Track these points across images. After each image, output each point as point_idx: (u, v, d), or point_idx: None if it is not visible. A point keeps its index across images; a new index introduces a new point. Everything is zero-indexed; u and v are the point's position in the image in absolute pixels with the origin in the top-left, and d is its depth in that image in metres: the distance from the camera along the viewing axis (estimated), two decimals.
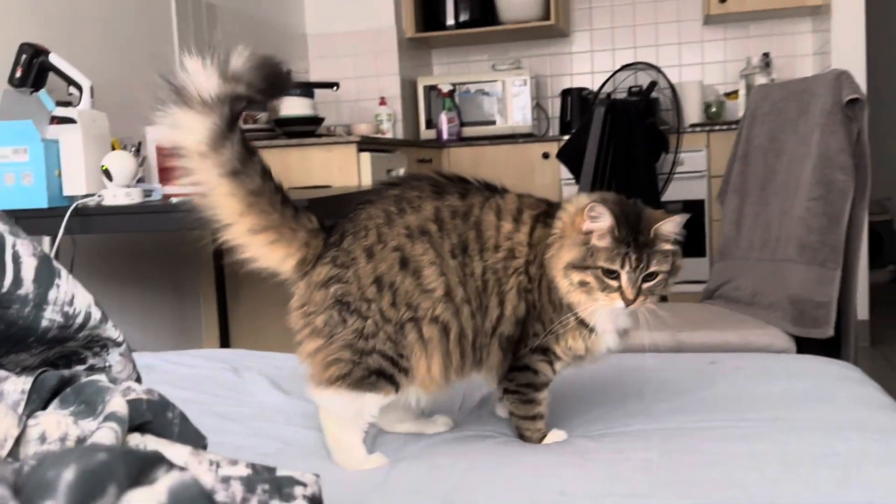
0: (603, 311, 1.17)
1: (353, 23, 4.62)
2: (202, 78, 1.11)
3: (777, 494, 1.02)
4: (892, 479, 1.03)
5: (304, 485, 0.59)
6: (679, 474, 1.10)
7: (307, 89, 3.69)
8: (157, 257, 3.30)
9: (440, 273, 1.17)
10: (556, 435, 1.25)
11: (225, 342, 3.36)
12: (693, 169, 4.24)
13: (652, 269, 1.14)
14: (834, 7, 4.05)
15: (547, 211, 1.22)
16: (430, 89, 4.74)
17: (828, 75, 2.13)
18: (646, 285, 1.14)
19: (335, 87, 3.86)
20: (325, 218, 2.72)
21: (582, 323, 1.19)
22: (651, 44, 4.90)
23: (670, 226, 1.15)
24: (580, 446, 1.21)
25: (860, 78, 3.88)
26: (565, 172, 4.28)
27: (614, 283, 1.14)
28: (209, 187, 1.16)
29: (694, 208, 4.20)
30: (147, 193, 2.63)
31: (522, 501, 1.03)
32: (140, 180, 2.76)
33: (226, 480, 0.56)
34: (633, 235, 1.14)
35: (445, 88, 4.67)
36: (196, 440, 0.84)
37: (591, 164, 2.75)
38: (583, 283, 1.15)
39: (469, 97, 4.71)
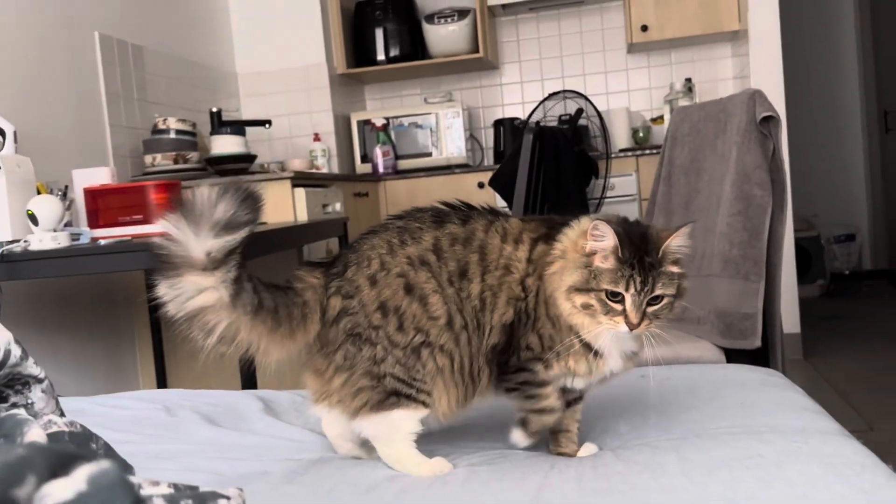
0: (607, 335, 1.15)
1: (284, 60, 4.64)
2: (194, 242, 1.10)
3: (703, 495, 1.04)
4: (812, 476, 1.07)
5: (228, 498, 0.59)
6: (611, 482, 1.12)
7: (238, 127, 3.69)
8: (88, 301, 3.25)
9: (443, 302, 1.18)
10: (587, 448, 1.27)
11: (162, 384, 3.30)
12: (623, 193, 4.33)
13: (657, 291, 1.11)
14: (751, 32, 4.20)
15: (548, 233, 1.21)
16: (364, 124, 4.77)
17: (742, 95, 2.21)
18: (650, 309, 1.12)
19: (267, 125, 3.86)
20: (265, 253, 2.71)
21: (587, 346, 1.18)
22: (578, 73, 5.02)
23: (678, 241, 1.13)
24: (518, 460, 1.23)
25: (778, 98, 4.03)
26: (501, 202, 4.33)
27: (618, 307, 1.11)
28: (240, 330, 1.18)
29: None
30: (75, 237, 2.59)
31: None
32: (68, 224, 2.72)
33: (148, 499, 0.57)
34: (637, 256, 1.11)
35: (379, 122, 4.70)
36: (123, 470, 0.84)
37: (522, 189, 2.80)
38: (586, 306, 1.13)
39: (403, 130, 4.75)
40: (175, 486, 0.59)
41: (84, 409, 1.72)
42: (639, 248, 1.11)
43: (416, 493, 1.14)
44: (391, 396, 1.18)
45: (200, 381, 3.42)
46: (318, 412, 1.27)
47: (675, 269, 1.13)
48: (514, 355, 1.20)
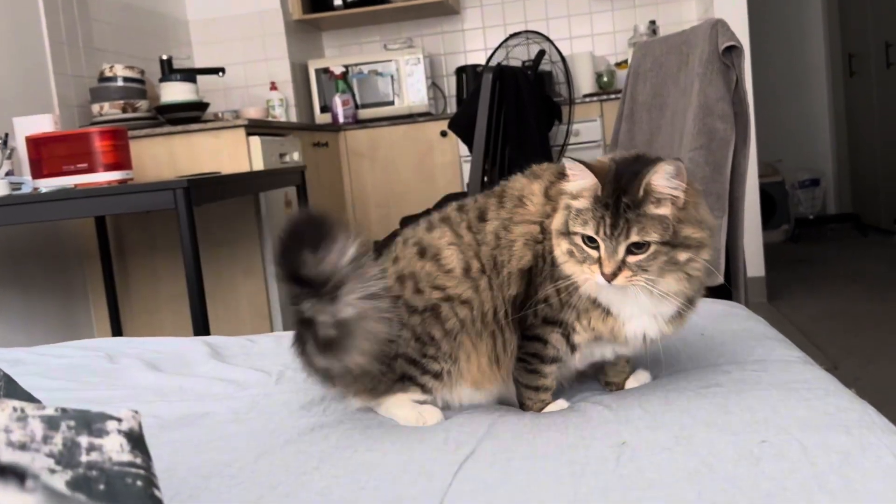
0: (610, 291, 1.02)
1: (237, 6, 4.49)
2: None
3: (658, 424, 1.00)
4: (772, 401, 1.03)
5: (119, 420, 0.53)
6: (567, 418, 1.08)
7: (189, 75, 3.56)
8: (37, 253, 3.14)
9: (459, 252, 1.13)
10: (556, 405, 1.15)
11: (118, 335, 3.22)
12: (588, 139, 4.27)
13: (634, 237, 0.96)
14: None
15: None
16: (323, 72, 4.65)
17: (704, 25, 2.15)
18: (633, 258, 0.97)
19: (221, 73, 3.73)
20: (220, 199, 2.62)
21: (595, 304, 1.06)
22: (541, 17, 4.91)
23: (659, 177, 0.97)
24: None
25: (743, 37, 3.97)
26: (465, 150, 4.26)
27: (594, 254, 0.99)
28: None
29: None
30: (16, 186, 2.49)
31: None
32: (9, 173, 2.62)
33: (22, 419, 0.50)
34: (615, 196, 0.97)
35: (338, 70, 4.58)
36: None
37: (482, 131, 2.72)
38: (570, 253, 1.02)
39: (363, 78, 4.64)
40: (63, 409, 0.52)
41: (21, 358, 1.64)
42: (618, 188, 0.97)
43: (365, 432, 1.09)
44: (399, 381, 1.14)
45: (157, 331, 3.35)
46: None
47: (662, 211, 0.97)
48: (531, 311, 1.10)
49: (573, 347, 1.11)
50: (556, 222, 1.05)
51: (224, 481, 0.95)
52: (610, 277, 0.98)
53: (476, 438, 1.01)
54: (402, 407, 1.15)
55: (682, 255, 0.98)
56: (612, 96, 4.31)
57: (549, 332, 1.10)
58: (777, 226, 5.60)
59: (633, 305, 1.04)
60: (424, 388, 1.14)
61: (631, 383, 1.21)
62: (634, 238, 0.97)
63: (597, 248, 0.99)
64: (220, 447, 1.07)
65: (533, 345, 1.12)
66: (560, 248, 1.04)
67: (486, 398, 1.17)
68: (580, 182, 1.01)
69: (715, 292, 2.12)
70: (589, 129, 4.27)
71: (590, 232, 0.99)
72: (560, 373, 1.16)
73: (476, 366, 1.13)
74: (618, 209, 0.97)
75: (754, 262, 4.07)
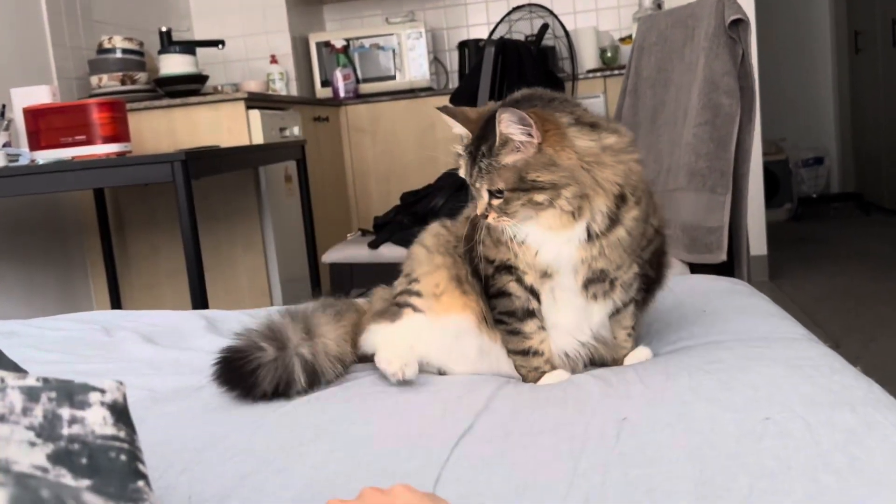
0: (504, 225, 1.08)
1: None
2: None
3: (659, 400, 0.98)
4: (776, 378, 1.01)
5: (102, 391, 0.51)
6: (566, 392, 1.06)
7: (189, 47, 3.52)
8: (36, 226, 3.12)
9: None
10: (554, 376, 1.14)
11: (117, 308, 3.21)
12: None
13: (486, 186, 1.04)
14: None
15: None
16: (323, 46, 4.60)
17: None
18: (495, 202, 1.04)
19: (220, 46, 3.69)
20: (219, 172, 2.60)
21: (515, 237, 1.11)
22: None
23: (505, 125, 1.00)
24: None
25: (749, 12, 3.92)
26: None
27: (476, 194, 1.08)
28: None
29: None
30: (13, 158, 2.46)
31: None
32: (6, 145, 2.59)
33: (1, 390, 0.48)
34: (476, 144, 1.04)
35: (339, 44, 4.54)
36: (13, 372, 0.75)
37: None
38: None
39: (364, 52, 4.59)
40: (45, 379, 0.50)
41: (17, 330, 1.63)
42: (482, 136, 1.04)
43: (361, 405, 1.08)
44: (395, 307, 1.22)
45: (157, 305, 3.33)
46: None
47: (513, 158, 1.02)
48: (485, 264, 1.14)
49: (532, 293, 1.13)
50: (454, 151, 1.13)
51: (218, 454, 0.94)
52: (483, 217, 1.07)
53: (474, 413, 1.00)
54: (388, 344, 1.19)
55: (540, 197, 1.03)
56: (616, 72, 4.26)
57: (505, 281, 1.14)
58: (780, 204, 5.57)
59: (536, 234, 1.08)
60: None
61: (630, 360, 1.19)
62: (486, 186, 1.04)
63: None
64: (214, 420, 1.05)
65: (500, 301, 1.15)
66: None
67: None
68: (457, 129, 1.09)
69: (718, 270, 2.11)
70: (592, 106, 4.21)
71: (463, 175, 1.08)
72: (557, 346, 1.16)
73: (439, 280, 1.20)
74: (475, 157, 1.04)
75: (757, 241, 4.04)
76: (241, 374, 1.10)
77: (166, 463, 0.91)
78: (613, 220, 1.07)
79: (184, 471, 0.90)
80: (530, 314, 1.14)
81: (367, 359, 1.23)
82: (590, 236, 1.07)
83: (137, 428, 0.54)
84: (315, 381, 1.14)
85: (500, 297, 1.15)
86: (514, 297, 1.14)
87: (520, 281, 1.13)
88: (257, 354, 1.11)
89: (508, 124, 1.00)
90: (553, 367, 1.16)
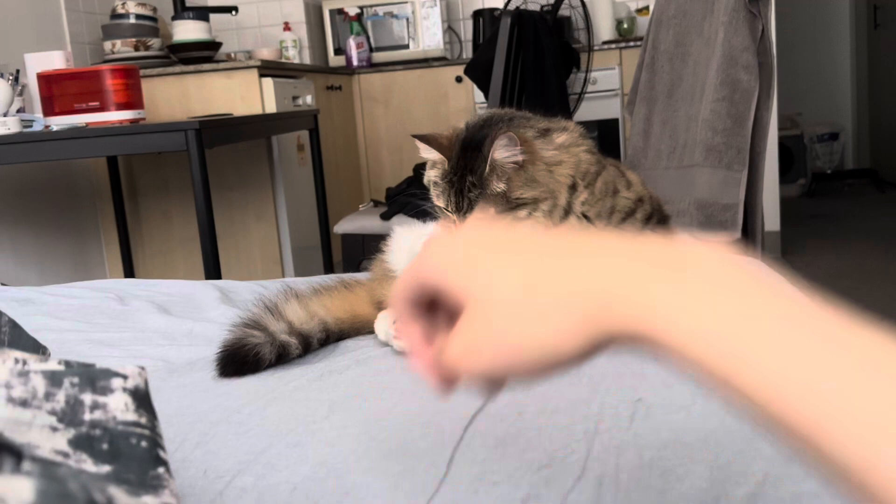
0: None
1: None
2: None
3: (674, 381, 0.98)
4: None
5: (125, 377, 0.51)
6: (581, 370, 1.06)
7: (202, 13, 3.50)
8: (49, 192, 3.13)
9: None
10: None
11: (130, 276, 3.22)
12: (606, 88, 4.20)
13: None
14: None
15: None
16: (337, 13, 4.57)
17: None
18: None
19: (234, 12, 3.67)
20: (231, 142, 2.61)
21: None
22: None
23: (499, 153, 1.00)
24: None
25: None
26: (480, 96, 4.19)
27: (452, 217, 1.07)
28: None
29: (608, 127, 4.18)
30: (27, 124, 2.46)
31: None
32: (20, 110, 2.59)
33: (24, 374, 0.48)
34: (460, 174, 1.02)
35: (352, 12, 4.50)
36: (33, 349, 0.76)
37: (499, 77, 2.67)
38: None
39: (378, 20, 4.56)
40: (67, 363, 0.50)
41: (32, 298, 1.63)
42: (464, 164, 1.02)
43: (374, 380, 1.08)
44: None
45: (169, 273, 3.35)
46: None
47: (503, 185, 1.02)
48: None
49: None
50: (427, 177, 1.11)
51: (232, 428, 0.94)
52: None
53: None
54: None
55: (522, 213, 1.04)
56: (632, 44, 4.23)
57: None
58: (794, 180, 5.54)
59: None
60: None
61: None
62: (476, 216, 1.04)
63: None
64: (228, 393, 1.06)
65: None
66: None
67: None
68: (430, 154, 1.07)
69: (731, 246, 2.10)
70: (607, 78, 4.20)
71: (442, 205, 1.07)
72: None
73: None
74: (462, 188, 1.03)
75: (770, 217, 4.02)
76: (245, 360, 1.11)
77: (182, 436, 0.92)
78: (567, 211, 1.08)
79: (199, 444, 0.90)
80: None
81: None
82: None
83: (154, 399, 0.55)
84: (308, 346, 1.16)
85: None
86: None
87: None
88: (252, 341, 1.12)
89: (502, 151, 1.01)
90: None
